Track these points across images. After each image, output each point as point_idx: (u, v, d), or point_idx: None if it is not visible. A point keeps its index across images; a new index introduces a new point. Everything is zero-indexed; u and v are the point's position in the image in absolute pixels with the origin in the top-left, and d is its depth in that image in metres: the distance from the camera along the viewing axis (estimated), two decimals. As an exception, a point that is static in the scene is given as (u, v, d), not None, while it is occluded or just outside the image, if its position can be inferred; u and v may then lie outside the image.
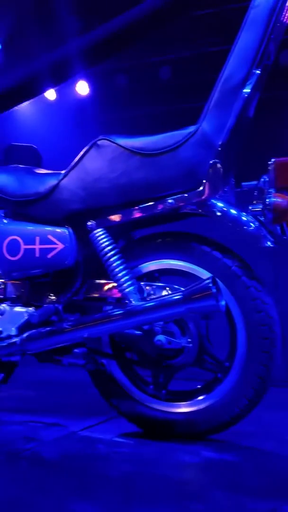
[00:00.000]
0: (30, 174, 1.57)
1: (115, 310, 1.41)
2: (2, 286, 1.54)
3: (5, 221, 1.54)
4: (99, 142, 1.45)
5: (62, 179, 1.48)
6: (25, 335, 1.46)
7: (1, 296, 1.54)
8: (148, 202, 1.41)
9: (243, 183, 1.42)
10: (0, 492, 1.13)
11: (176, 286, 1.40)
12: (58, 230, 1.48)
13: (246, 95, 1.33)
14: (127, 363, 1.46)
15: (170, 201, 1.39)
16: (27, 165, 1.68)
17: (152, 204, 1.41)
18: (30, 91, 1.09)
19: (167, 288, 1.41)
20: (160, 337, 1.36)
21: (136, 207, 1.42)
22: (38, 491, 1.14)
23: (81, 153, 1.47)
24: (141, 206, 1.41)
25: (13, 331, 1.48)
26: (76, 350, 1.43)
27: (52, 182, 1.49)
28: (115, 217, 1.45)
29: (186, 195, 1.38)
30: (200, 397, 1.39)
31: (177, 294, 1.32)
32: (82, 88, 3.91)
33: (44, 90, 1.10)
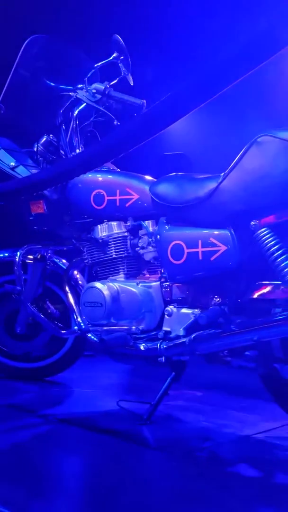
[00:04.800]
0: (189, 180, 1.46)
1: (286, 312, 1.22)
2: (168, 289, 1.47)
3: (167, 227, 1.46)
4: (259, 139, 1.27)
5: (221, 181, 1.34)
6: (193, 336, 1.36)
7: (168, 298, 1.47)
8: None
9: None
10: (184, 486, 1.06)
11: None
12: (220, 232, 1.34)
13: None
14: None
15: None
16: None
17: None
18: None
19: None
20: None
21: (305, 203, 1.21)
22: (221, 490, 1.04)
23: (241, 152, 1.30)
24: (311, 201, 1.20)
25: (181, 332, 1.40)
26: (247, 353, 1.28)
27: (212, 185, 1.36)
28: (280, 215, 1.26)
29: None
30: None
31: None
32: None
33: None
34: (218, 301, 1.38)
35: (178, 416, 1.53)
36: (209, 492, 1.03)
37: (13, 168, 1.64)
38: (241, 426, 1.42)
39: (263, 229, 1.28)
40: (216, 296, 1.39)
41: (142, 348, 1.44)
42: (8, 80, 1.73)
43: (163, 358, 1.41)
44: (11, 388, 1.86)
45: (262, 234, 1.28)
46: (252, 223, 1.29)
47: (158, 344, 1.42)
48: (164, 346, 1.40)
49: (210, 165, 1.67)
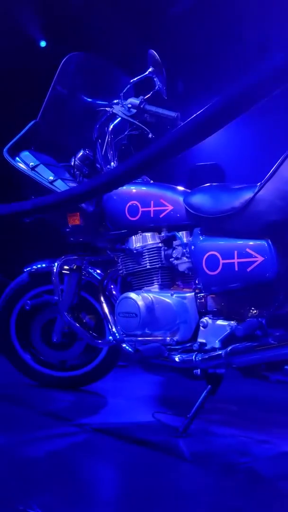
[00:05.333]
0: (225, 190, 1.46)
1: None
2: (203, 300, 1.46)
3: (201, 237, 1.46)
4: (297, 148, 1.26)
5: (258, 191, 1.32)
6: (229, 348, 1.34)
7: (203, 310, 1.46)
8: None
9: None
10: (222, 501, 1.03)
11: None
12: (257, 242, 1.32)
13: None
14: None
15: None
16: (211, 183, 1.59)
17: None
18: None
19: None
20: None
21: None
22: (261, 507, 1.00)
23: (278, 162, 1.29)
24: None
25: (217, 344, 1.38)
26: (286, 367, 1.24)
27: (248, 195, 1.35)
28: None
29: None
30: None
31: None
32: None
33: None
34: (255, 313, 1.35)
35: (214, 430, 1.50)
36: (246, 509, 1.00)
37: (51, 182, 1.70)
38: (280, 442, 1.37)
39: (301, 240, 1.25)
40: (253, 308, 1.37)
41: (177, 359, 1.43)
42: (46, 97, 1.80)
43: (199, 370, 1.39)
44: (47, 396, 1.89)
45: (300, 245, 1.25)
46: (290, 233, 1.27)
47: (193, 356, 1.40)
48: (200, 358, 1.38)
49: (243, 175, 1.66)
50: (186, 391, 1.68)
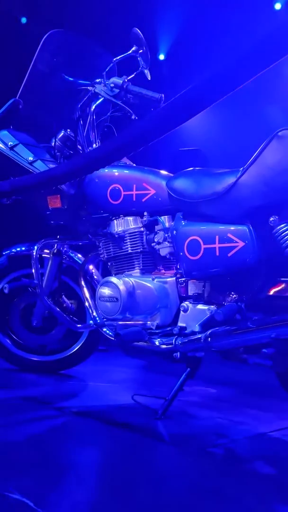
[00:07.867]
0: (207, 175, 1.44)
1: (305, 310, 1.19)
2: (184, 285, 1.45)
3: (183, 222, 1.44)
4: (280, 134, 1.24)
5: (240, 176, 1.31)
6: (208, 332, 1.34)
7: (184, 294, 1.45)
8: None
9: None
10: (201, 482, 1.05)
11: None
12: (238, 228, 1.32)
13: None
14: None
15: None
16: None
17: None
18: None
19: None
20: None
21: None
22: (239, 487, 1.02)
23: (261, 147, 1.27)
24: None
25: (197, 328, 1.38)
26: (264, 350, 1.25)
27: (230, 180, 1.33)
28: (300, 211, 1.23)
29: None
30: None
31: None
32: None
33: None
34: (235, 297, 1.35)
35: (193, 412, 1.52)
36: (224, 489, 1.01)
37: (31, 163, 1.64)
38: (256, 424, 1.40)
39: (282, 225, 1.25)
40: (233, 293, 1.37)
41: (157, 343, 1.43)
42: (26, 75, 1.72)
43: (178, 354, 1.40)
44: (26, 381, 1.87)
45: (281, 230, 1.25)
46: (271, 218, 1.26)
47: (174, 340, 1.40)
48: (180, 342, 1.38)
49: (226, 160, 1.64)
50: (166, 374, 1.69)
